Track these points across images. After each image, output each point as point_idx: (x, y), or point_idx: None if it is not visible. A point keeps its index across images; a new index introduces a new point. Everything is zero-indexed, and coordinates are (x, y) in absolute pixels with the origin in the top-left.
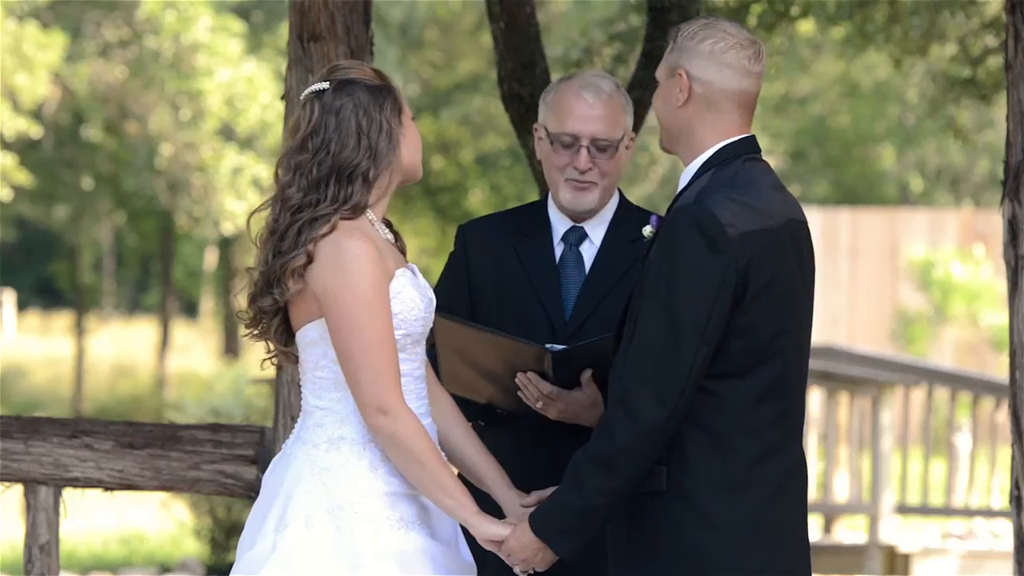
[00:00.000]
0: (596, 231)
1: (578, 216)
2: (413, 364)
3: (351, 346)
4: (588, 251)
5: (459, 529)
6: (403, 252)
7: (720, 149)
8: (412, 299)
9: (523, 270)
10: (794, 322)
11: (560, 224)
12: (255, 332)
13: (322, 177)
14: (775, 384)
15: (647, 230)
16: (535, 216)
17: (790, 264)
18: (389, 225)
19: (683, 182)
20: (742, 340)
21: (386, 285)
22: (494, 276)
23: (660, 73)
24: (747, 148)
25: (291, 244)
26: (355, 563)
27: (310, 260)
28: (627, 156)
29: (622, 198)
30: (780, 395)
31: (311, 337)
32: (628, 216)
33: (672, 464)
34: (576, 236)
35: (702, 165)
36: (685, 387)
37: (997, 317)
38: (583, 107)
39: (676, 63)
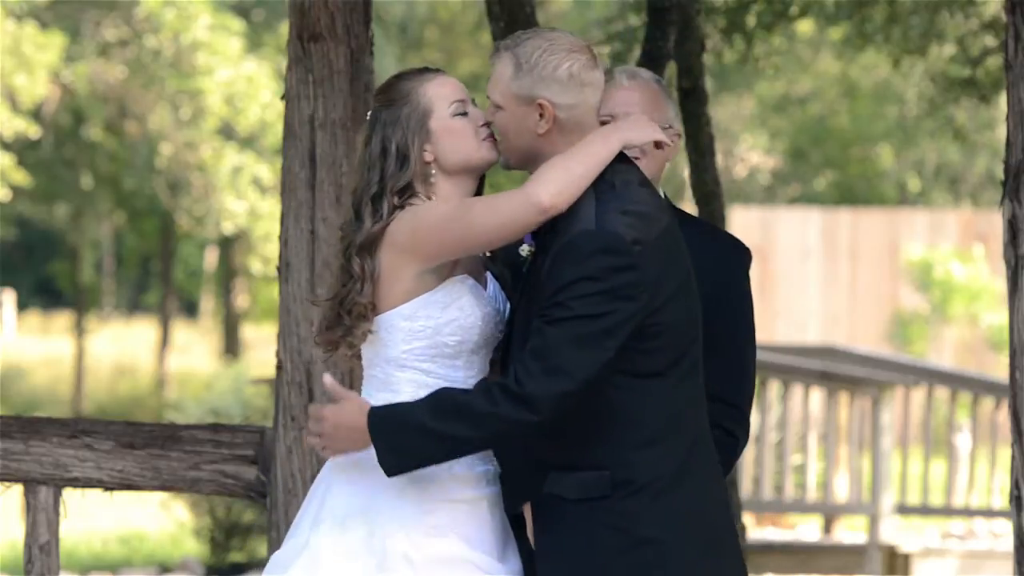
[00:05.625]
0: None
1: None
2: (470, 372)
3: (461, 231)
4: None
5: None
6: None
7: None
8: (470, 306)
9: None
10: (696, 309)
11: None
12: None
13: (356, 203)
14: (693, 375)
15: (524, 249)
16: None
17: (682, 257)
18: None
19: None
20: (662, 340)
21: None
22: None
23: (504, 98)
24: None
25: (349, 275)
26: (384, 566)
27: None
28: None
29: None
30: (696, 384)
31: (372, 331)
32: None
33: (614, 468)
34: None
35: None
36: (590, 379)
37: (995, 317)
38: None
39: (532, 92)
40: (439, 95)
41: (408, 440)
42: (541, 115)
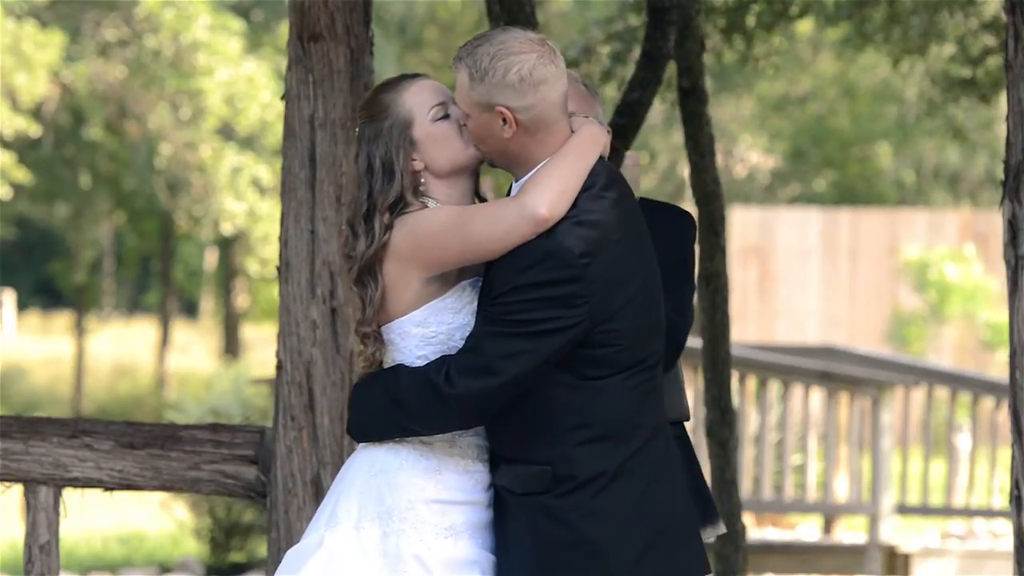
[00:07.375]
0: None
1: None
2: None
3: (461, 243)
4: None
5: None
6: None
7: None
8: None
9: None
10: (655, 312)
11: None
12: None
13: (351, 221)
14: (650, 376)
15: None
16: None
17: (641, 264)
18: None
19: (515, 193)
20: (614, 347)
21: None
22: None
23: (468, 107)
24: None
25: (358, 307)
26: (397, 568)
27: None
28: None
29: None
30: (654, 385)
31: (387, 338)
32: None
33: (556, 463)
34: None
35: None
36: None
37: (991, 316)
38: None
39: (489, 100)
40: (417, 103)
41: (369, 409)
42: (504, 120)
